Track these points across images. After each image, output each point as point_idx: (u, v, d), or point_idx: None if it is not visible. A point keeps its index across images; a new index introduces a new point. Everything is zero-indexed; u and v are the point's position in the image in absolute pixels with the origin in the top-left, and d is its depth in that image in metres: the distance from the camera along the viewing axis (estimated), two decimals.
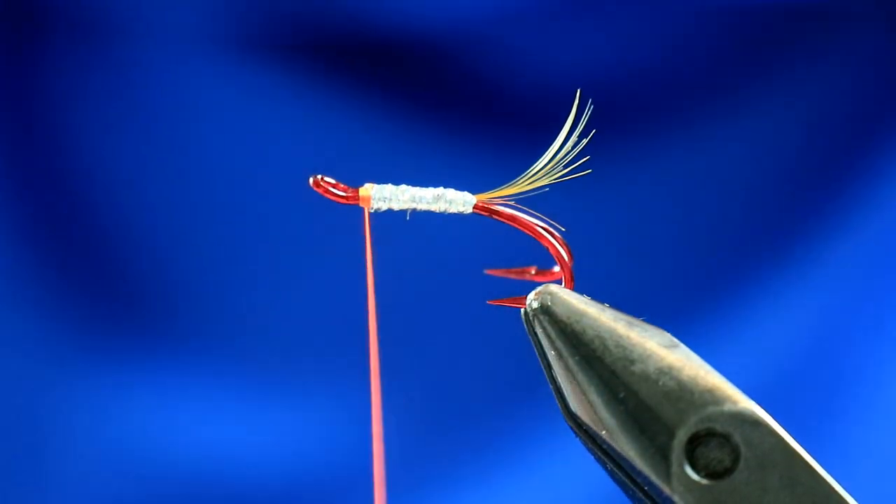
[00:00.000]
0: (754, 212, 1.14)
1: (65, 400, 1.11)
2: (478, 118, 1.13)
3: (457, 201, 0.65)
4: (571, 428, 0.55)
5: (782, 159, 1.13)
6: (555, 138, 0.62)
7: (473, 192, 0.66)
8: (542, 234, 0.65)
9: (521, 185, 0.65)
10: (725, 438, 0.52)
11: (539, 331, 0.55)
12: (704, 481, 0.52)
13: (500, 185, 0.65)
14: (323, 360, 1.13)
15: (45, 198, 1.11)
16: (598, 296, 0.56)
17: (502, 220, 0.66)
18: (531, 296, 0.56)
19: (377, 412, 0.60)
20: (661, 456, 0.52)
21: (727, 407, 0.52)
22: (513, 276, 0.69)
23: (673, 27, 1.12)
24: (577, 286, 0.64)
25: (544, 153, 0.64)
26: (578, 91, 0.66)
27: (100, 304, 1.12)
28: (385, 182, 0.66)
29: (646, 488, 0.53)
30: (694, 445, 0.52)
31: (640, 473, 0.53)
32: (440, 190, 0.66)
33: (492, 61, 1.12)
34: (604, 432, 0.53)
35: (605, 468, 0.54)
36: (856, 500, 0.52)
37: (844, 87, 1.13)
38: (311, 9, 1.11)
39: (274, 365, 1.13)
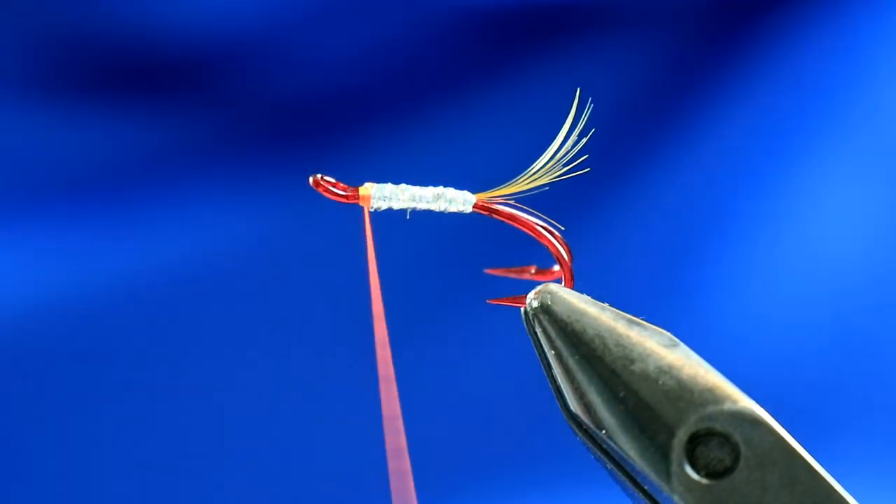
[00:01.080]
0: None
1: None
2: (252, 125, 1.16)
3: (457, 200, 0.65)
4: (571, 427, 0.55)
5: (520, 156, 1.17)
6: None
7: (472, 191, 0.66)
8: (542, 233, 0.65)
9: (520, 185, 0.65)
10: (725, 438, 0.52)
11: (539, 330, 0.55)
12: (704, 481, 0.52)
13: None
14: None
15: None
16: (597, 295, 0.56)
17: (502, 219, 0.66)
18: (531, 295, 0.56)
19: (393, 418, 0.60)
20: (661, 455, 0.52)
21: (727, 406, 0.52)
22: (513, 276, 0.69)
23: (427, 29, 1.15)
24: (577, 286, 0.64)
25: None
26: (578, 90, 0.66)
27: None
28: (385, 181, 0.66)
29: (646, 488, 0.53)
30: (694, 445, 0.52)
31: (639, 473, 0.53)
32: (440, 189, 0.65)
33: (257, 69, 1.15)
34: (603, 432, 0.53)
35: (605, 468, 0.54)
36: (856, 500, 0.52)
37: (608, 83, 1.17)
38: (74, 39, 1.13)
39: None
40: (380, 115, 1.16)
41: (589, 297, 0.55)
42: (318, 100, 1.15)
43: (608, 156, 1.17)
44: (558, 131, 0.59)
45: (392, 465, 0.59)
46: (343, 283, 1.14)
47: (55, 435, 1.14)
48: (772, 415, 0.52)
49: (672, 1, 1.18)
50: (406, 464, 0.60)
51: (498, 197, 0.65)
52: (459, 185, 0.63)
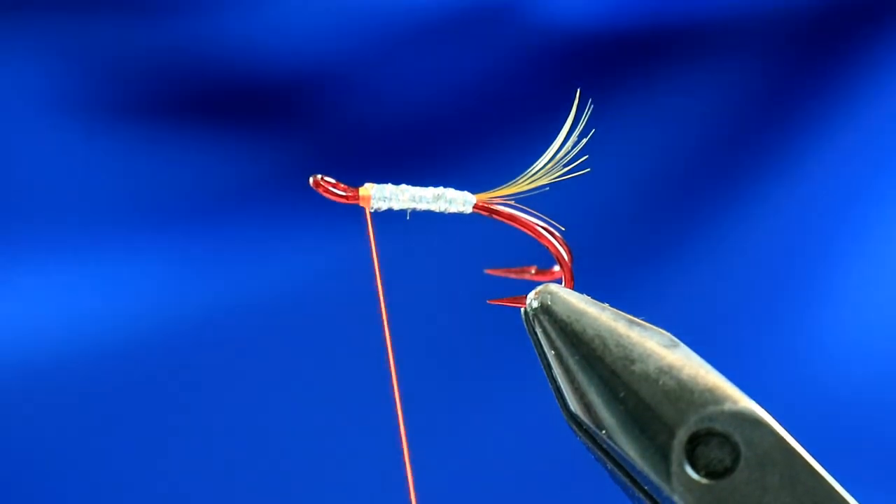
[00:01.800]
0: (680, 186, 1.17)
1: None
2: (343, 152, 1.15)
3: (457, 201, 0.65)
4: (571, 428, 0.55)
5: (635, 183, 1.16)
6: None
7: (472, 191, 0.66)
8: (542, 234, 0.65)
9: (521, 185, 0.65)
10: (725, 438, 0.52)
11: (539, 330, 0.55)
12: (704, 481, 0.52)
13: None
14: None
15: None
16: (597, 296, 0.56)
17: (502, 219, 0.66)
18: (531, 295, 0.56)
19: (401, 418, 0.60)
20: (661, 455, 0.52)
21: (727, 406, 0.52)
22: (513, 276, 0.69)
23: (518, 52, 1.14)
24: (577, 286, 0.64)
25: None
26: (578, 90, 0.66)
27: None
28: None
29: (646, 488, 0.53)
30: (694, 445, 0.52)
31: (640, 473, 0.53)
32: (440, 189, 0.65)
33: (345, 99, 1.14)
34: (603, 432, 0.53)
35: (606, 468, 0.54)
36: (857, 500, 0.52)
37: (704, 111, 1.16)
38: (163, 66, 1.13)
39: None
40: (471, 144, 1.14)
41: (589, 298, 0.55)
42: (410, 128, 1.14)
43: (703, 187, 1.16)
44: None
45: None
46: (432, 309, 1.13)
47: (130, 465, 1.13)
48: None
49: (769, 24, 1.15)
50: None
51: (498, 197, 0.65)
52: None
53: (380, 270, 0.63)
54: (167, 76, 1.12)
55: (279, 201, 1.14)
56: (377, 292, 0.63)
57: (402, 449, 0.60)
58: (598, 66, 1.15)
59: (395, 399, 0.61)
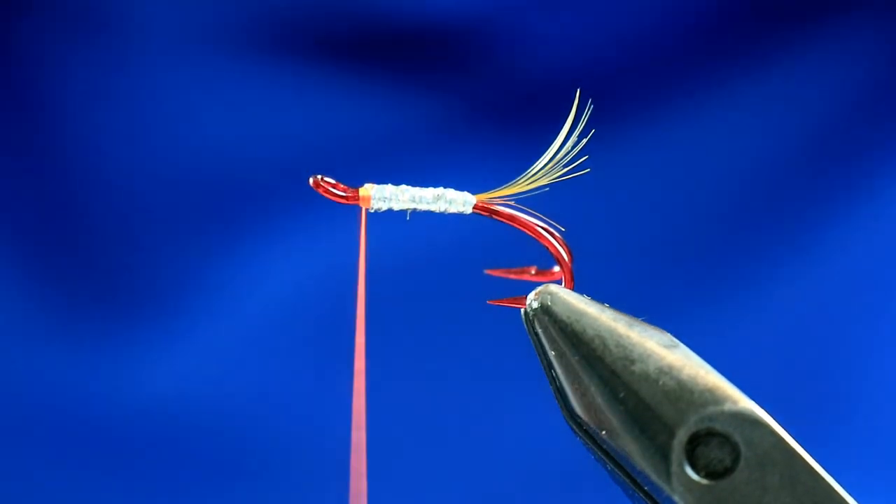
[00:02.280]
0: (754, 204, 1.14)
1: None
2: (490, 103, 1.12)
3: (457, 201, 0.65)
4: (572, 428, 0.55)
5: (782, 149, 1.13)
6: (560, 120, 0.61)
7: (474, 191, 0.66)
8: (542, 234, 0.65)
9: (521, 185, 0.65)
10: (725, 438, 0.52)
11: (539, 331, 0.55)
12: (704, 481, 0.52)
13: (515, 173, 0.65)
14: None
15: (36, 194, 1.11)
16: (597, 296, 0.56)
17: (502, 220, 0.66)
18: (531, 296, 0.56)
19: (360, 414, 0.60)
20: (661, 456, 0.52)
21: (727, 406, 0.52)
22: (513, 276, 0.69)
23: (673, 14, 1.12)
24: (577, 286, 0.64)
25: (549, 146, 0.64)
26: (578, 91, 0.66)
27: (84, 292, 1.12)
28: (386, 182, 0.66)
29: (646, 488, 0.53)
30: (694, 445, 0.52)
31: (640, 473, 0.53)
32: (440, 190, 0.66)
33: (494, 47, 1.11)
34: (604, 432, 0.53)
35: (606, 468, 0.55)
36: (855, 499, 0.52)
37: (847, 76, 1.12)
38: (311, 5, 1.11)
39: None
40: (617, 101, 1.11)
41: (589, 298, 0.55)
42: (567, 79, 1.11)
43: (708, 186, 1.13)
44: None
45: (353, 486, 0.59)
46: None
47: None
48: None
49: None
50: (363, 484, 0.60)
51: (498, 198, 0.65)
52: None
53: (365, 271, 0.63)
54: (326, 18, 1.10)
55: (432, 151, 1.12)
56: (357, 293, 0.63)
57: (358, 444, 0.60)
58: (746, 23, 1.11)
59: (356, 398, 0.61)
